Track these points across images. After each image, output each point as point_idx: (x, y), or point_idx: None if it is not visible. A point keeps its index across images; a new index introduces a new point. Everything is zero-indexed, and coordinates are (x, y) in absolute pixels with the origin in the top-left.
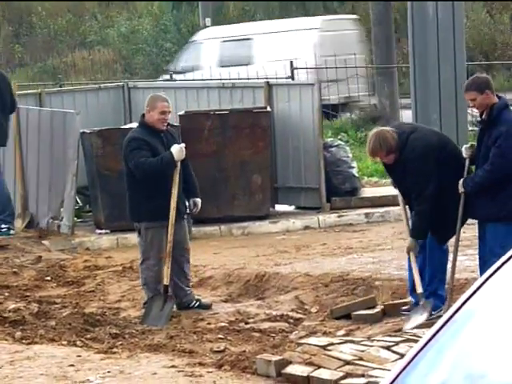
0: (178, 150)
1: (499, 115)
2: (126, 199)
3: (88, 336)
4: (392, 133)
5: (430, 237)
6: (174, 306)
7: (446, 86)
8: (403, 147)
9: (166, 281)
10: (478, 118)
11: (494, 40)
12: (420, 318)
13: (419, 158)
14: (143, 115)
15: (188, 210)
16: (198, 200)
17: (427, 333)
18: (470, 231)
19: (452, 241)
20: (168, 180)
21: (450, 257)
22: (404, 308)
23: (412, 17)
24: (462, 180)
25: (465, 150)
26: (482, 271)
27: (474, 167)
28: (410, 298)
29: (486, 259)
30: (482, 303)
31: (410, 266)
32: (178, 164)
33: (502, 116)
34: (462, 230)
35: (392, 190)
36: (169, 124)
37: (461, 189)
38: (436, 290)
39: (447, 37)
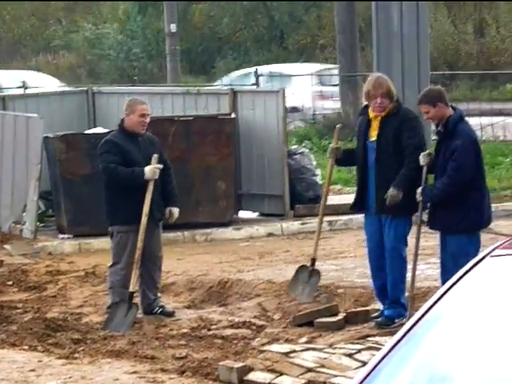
0: (150, 170)
1: (455, 128)
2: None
3: (49, 341)
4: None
5: (390, 247)
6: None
7: (409, 95)
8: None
9: (132, 288)
10: (437, 129)
11: (458, 50)
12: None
13: (416, 120)
14: (122, 120)
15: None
16: (175, 209)
17: (390, 341)
18: (432, 240)
19: (412, 249)
20: (143, 186)
21: (410, 265)
22: (374, 315)
23: (376, 26)
24: (420, 189)
25: (422, 158)
26: (444, 280)
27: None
28: (372, 306)
29: (448, 268)
30: (444, 311)
31: (373, 268)
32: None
33: (458, 128)
34: (423, 238)
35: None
36: (146, 131)
37: (419, 197)
38: (399, 299)
39: (411, 46)
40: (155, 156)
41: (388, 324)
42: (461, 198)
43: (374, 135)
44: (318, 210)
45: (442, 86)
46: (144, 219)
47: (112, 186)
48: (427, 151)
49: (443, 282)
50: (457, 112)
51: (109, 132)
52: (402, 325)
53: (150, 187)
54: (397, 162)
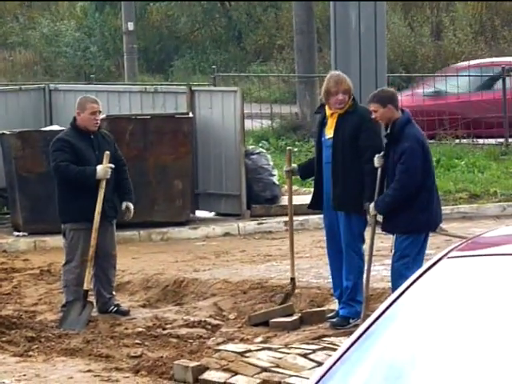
0: (101, 169)
1: (402, 131)
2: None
3: (4, 339)
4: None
5: (346, 244)
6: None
7: (366, 96)
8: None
9: (86, 286)
10: (386, 132)
11: (415, 52)
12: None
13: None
14: (74, 118)
15: (118, 215)
16: (131, 204)
17: (346, 341)
18: (387, 241)
19: (366, 249)
20: (95, 184)
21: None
22: (329, 315)
23: (334, 27)
24: (373, 204)
25: (377, 160)
26: (393, 280)
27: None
28: (328, 306)
29: (396, 268)
30: (400, 312)
31: (332, 268)
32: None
33: (405, 131)
34: (379, 239)
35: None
36: (100, 128)
37: (372, 212)
38: (356, 296)
39: (369, 48)
40: (107, 153)
41: (343, 324)
42: (409, 200)
43: (329, 133)
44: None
45: (399, 88)
46: (97, 217)
47: (63, 184)
48: (382, 153)
49: (392, 282)
50: (404, 115)
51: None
52: (356, 325)
53: (102, 186)
54: (352, 159)
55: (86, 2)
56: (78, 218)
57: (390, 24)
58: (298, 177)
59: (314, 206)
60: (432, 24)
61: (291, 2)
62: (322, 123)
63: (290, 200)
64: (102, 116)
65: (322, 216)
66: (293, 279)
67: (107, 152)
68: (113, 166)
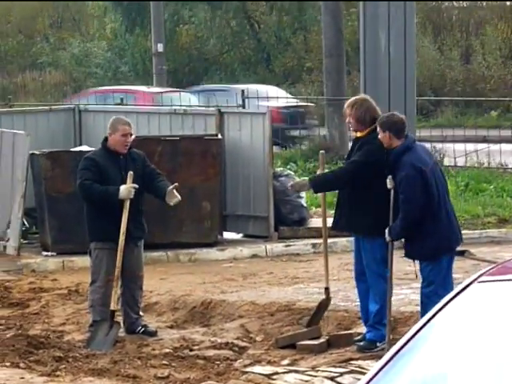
0: (125, 189)
1: (397, 160)
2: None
3: (31, 358)
4: (376, 113)
5: (367, 268)
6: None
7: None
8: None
9: (112, 306)
10: None
11: (444, 76)
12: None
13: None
14: (106, 138)
15: (145, 235)
16: (172, 189)
17: (376, 364)
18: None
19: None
20: (119, 204)
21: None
22: (356, 339)
23: (364, 50)
24: (387, 229)
25: (389, 181)
26: (421, 307)
27: None
28: (355, 329)
29: (421, 292)
30: (430, 336)
31: (359, 291)
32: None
33: (401, 160)
34: (406, 263)
35: None
36: (131, 148)
37: (388, 238)
38: (382, 320)
39: (398, 71)
40: (130, 174)
41: (370, 348)
42: (417, 227)
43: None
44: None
45: (428, 112)
46: (121, 237)
47: (87, 203)
48: (390, 176)
49: (421, 309)
50: (402, 145)
51: None
52: (383, 349)
53: (126, 206)
54: (363, 185)
55: (117, 23)
56: (102, 237)
57: (419, 47)
58: None
59: (338, 227)
60: (461, 48)
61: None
62: (353, 147)
63: (324, 206)
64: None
65: (350, 239)
66: (327, 289)
67: (131, 172)
68: (136, 186)
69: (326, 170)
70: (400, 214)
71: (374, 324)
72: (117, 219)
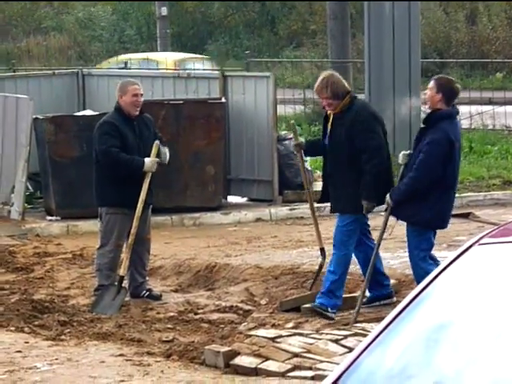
0: (149, 162)
1: (436, 122)
2: (93, 181)
3: (36, 323)
4: (346, 84)
5: (335, 239)
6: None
7: (400, 82)
8: (351, 108)
9: (122, 272)
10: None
11: (449, 38)
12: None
13: (369, 119)
14: (118, 102)
15: (154, 200)
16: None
17: (377, 326)
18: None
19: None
20: (141, 174)
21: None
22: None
23: (368, 13)
24: (388, 195)
25: (402, 157)
26: (412, 270)
27: None
28: (359, 292)
29: (409, 257)
30: (432, 298)
31: (360, 264)
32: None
33: (440, 124)
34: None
35: None
36: (142, 112)
37: (388, 201)
38: (336, 291)
39: (402, 34)
40: (156, 144)
41: (322, 310)
42: (421, 193)
43: (329, 133)
44: (307, 196)
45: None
46: (139, 206)
47: (108, 169)
48: (408, 151)
49: (413, 272)
50: (447, 110)
51: (99, 114)
52: (333, 318)
53: (148, 177)
54: (345, 162)
55: None
56: (116, 202)
57: (424, 9)
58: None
59: (325, 199)
60: (466, 9)
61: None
62: (326, 119)
63: (304, 174)
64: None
65: None
66: (322, 249)
67: (157, 142)
68: (159, 160)
69: (301, 139)
70: (412, 173)
71: (328, 292)
72: (132, 186)
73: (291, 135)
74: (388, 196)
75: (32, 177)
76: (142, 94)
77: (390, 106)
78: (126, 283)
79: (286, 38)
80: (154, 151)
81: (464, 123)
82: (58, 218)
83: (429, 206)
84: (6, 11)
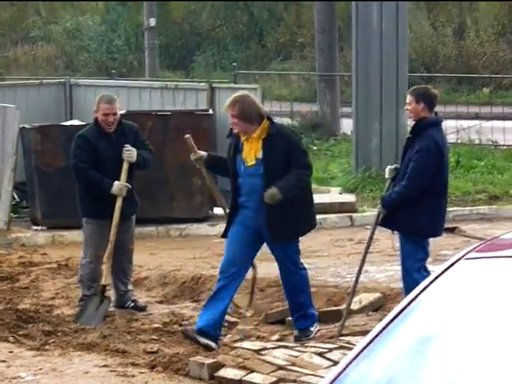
0: (117, 186)
1: (424, 129)
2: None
3: (20, 332)
4: (260, 108)
5: (292, 267)
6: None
7: (387, 95)
8: (278, 132)
9: (104, 280)
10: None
11: (437, 52)
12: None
13: (298, 140)
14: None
15: (136, 210)
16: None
17: (362, 340)
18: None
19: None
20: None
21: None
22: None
23: (356, 26)
24: (380, 200)
25: (388, 171)
26: (403, 282)
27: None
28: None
29: (402, 269)
30: (417, 312)
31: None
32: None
33: (427, 132)
34: (396, 240)
35: (330, 198)
36: (121, 122)
37: (380, 209)
38: (309, 309)
39: (390, 47)
40: (125, 169)
41: (307, 335)
42: (415, 201)
43: (250, 160)
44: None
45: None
46: (117, 212)
47: (78, 183)
48: (394, 165)
49: (404, 285)
50: (433, 118)
51: (85, 125)
52: (318, 330)
53: (119, 202)
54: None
55: None
56: (93, 213)
57: (413, 23)
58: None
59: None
60: (454, 24)
61: (314, 1)
62: (237, 149)
63: (217, 192)
64: (122, 112)
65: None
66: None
67: (125, 167)
68: (129, 186)
69: (201, 152)
70: (403, 182)
71: (305, 314)
72: (107, 197)
73: None
74: (380, 205)
75: (18, 186)
76: (114, 114)
77: (377, 120)
78: (111, 293)
79: (273, 51)
80: (123, 175)
81: (451, 138)
82: (44, 227)
83: (422, 214)
84: None
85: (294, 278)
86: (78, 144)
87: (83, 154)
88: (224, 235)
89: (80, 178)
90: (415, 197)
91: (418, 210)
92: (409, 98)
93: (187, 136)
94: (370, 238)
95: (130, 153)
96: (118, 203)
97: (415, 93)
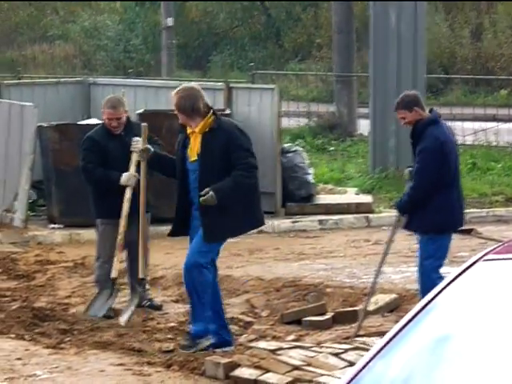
0: (126, 176)
1: (423, 131)
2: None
3: (36, 330)
4: (203, 101)
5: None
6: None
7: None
8: (220, 127)
9: (113, 273)
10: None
11: (454, 54)
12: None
13: (243, 137)
14: None
15: (151, 210)
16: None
17: (379, 341)
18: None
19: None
20: (120, 187)
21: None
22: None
23: (374, 27)
24: (394, 204)
25: (407, 173)
26: (419, 281)
27: None
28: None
29: (419, 269)
30: (435, 313)
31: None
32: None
33: (426, 132)
34: (414, 240)
35: (347, 198)
36: (129, 122)
37: (399, 215)
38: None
39: (408, 48)
40: (133, 160)
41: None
42: (426, 200)
43: (193, 155)
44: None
45: (437, 90)
46: (126, 204)
47: (88, 184)
48: (409, 168)
49: (420, 283)
50: (431, 115)
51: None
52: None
53: (128, 193)
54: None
55: None
56: (107, 214)
57: (430, 24)
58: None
59: (177, 234)
60: (472, 25)
61: (332, 1)
62: (184, 144)
63: (144, 182)
64: (140, 111)
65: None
66: (143, 279)
67: (134, 159)
68: (137, 175)
69: (149, 146)
70: (411, 184)
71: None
72: (119, 197)
73: (294, 148)
74: (396, 210)
75: (35, 184)
76: (118, 118)
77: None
78: (126, 292)
79: (291, 51)
80: (132, 167)
81: (468, 139)
82: (61, 226)
83: (435, 210)
84: (12, 18)
85: (194, 273)
86: (84, 146)
87: (90, 155)
88: (170, 234)
89: (89, 178)
90: (425, 196)
91: (430, 207)
92: (401, 113)
93: (144, 124)
94: (390, 241)
95: (136, 143)
96: (127, 195)
97: (403, 105)
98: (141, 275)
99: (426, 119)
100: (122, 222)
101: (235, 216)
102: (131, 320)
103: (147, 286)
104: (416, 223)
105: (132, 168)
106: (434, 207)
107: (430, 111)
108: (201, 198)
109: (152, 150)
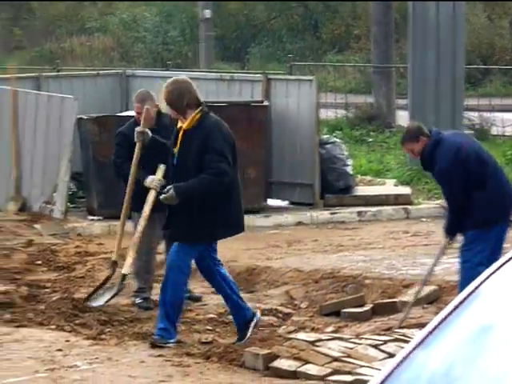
0: (151, 180)
1: (430, 157)
2: None
3: (77, 321)
4: (193, 96)
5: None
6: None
7: (443, 88)
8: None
9: (125, 270)
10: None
11: (493, 44)
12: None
13: (220, 140)
14: None
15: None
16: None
17: (419, 333)
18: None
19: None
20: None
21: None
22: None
23: (413, 18)
24: (443, 230)
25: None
26: (460, 276)
27: None
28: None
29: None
30: (475, 305)
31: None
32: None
33: (433, 156)
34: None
35: (386, 190)
36: (160, 115)
37: (448, 238)
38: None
39: (447, 39)
40: (161, 167)
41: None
42: (465, 204)
43: (177, 151)
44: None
45: (476, 80)
46: (146, 208)
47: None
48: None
49: (461, 274)
50: (430, 142)
51: None
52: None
53: (151, 196)
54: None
55: None
56: (141, 207)
57: (470, 15)
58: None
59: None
60: (511, 16)
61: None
62: (175, 140)
63: (135, 166)
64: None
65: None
66: (115, 262)
67: (162, 166)
68: (163, 181)
69: (148, 131)
70: (447, 206)
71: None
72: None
73: (333, 139)
74: (444, 233)
75: (75, 176)
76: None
77: (432, 112)
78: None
79: (328, 42)
80: (158, 172)
81: (507, 130)
82: (100, 217)
83: (478, 209)
84: (51, 11)
85: (170, 274)
86: (116, 141)
87: (121, 151)
88: (163, 228)
89: (117, 173)
90: (461, 209)
91: (468, 210)
92: (408, 146)
93: (147, 107)
94: (441, 253)
95: (137, 134)
96: (150, 197)
97: (409, 137)
98: (123, 271)
99: (428, 145)
100: (142, 222)
101: (202, 221)
102: (104, 305)
103: (151, 285)
104: (464, 224)
105: (158, 173)
106: (474, 208)
107: (430, 132)
108: (161, 196)
109: (150, 134)
